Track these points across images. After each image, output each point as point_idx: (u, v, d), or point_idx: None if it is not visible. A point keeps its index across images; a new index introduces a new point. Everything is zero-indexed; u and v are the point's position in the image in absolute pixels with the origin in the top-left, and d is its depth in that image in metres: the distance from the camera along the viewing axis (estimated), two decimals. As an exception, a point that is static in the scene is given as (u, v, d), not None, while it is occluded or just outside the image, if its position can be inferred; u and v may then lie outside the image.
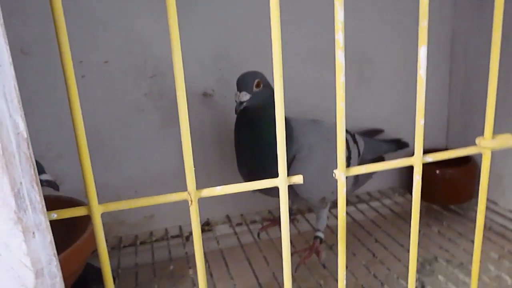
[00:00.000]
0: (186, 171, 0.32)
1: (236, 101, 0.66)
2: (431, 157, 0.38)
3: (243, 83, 0.67)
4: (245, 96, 0.66)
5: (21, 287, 0.25)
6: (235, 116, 0.71)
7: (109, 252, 0.97)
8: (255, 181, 0.35)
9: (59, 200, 0.69)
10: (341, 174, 0.35)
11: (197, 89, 0.90)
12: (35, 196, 0.25)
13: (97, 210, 0.31)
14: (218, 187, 0.33)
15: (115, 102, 0.85)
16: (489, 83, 0.38)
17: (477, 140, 0.39)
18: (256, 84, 0.67)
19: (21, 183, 0.24)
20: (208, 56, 0.89)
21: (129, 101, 0.86)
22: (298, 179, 0.35)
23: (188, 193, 0.32)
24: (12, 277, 0.25)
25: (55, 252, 0.26)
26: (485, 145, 0.39)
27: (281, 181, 0.34)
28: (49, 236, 0.26)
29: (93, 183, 0.30)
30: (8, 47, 0.22)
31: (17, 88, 0.23)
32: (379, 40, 1.03)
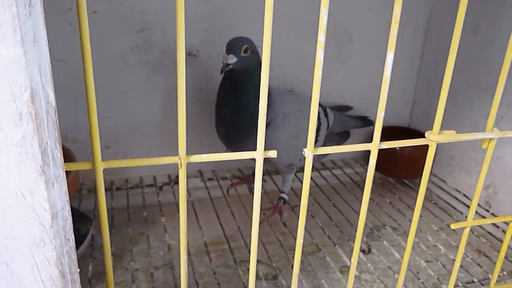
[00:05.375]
0: (179, 138, 0.37)
1: (223, 62, 0.71)
2: (386, 145, 0.45)
3: (232, 46, 0.71)
4: (232, 59, 0.70)
5: (39, 225, 0.31)
6: (217, 77, 0.75)
7: (86, 195, 1.01)
8: (235, 153, 0.41)
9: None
10: (309, 152, 0.42)
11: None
12: (57, 154, 0.30)
13: (100, 166, 0.36)
14: (204, 155, 0.39)
15: (101, 52, 0.87)
16: (442, 87, 0.45)
17: (426, 134, 0.47)
18: (244, 50, 0.71)
19: (47, 142, 0.29)
20: (195, 17, 0.91)
21: (115, 53, 0.89)
22: (272, 153, 0.42)
23: (179, 157, 0.38)
24: (32, 217, 0.30)
25: (68, 199, 0.32)
26: (432, 139, 0.46)
27: (258, 154, 0.41)
28: (64, 186, 0.31)
29: (99, 143, 0.35)
30: (45, 32, 0.26)
31: (50, 65, 0.27)
32: (362, 17, 1.06)
